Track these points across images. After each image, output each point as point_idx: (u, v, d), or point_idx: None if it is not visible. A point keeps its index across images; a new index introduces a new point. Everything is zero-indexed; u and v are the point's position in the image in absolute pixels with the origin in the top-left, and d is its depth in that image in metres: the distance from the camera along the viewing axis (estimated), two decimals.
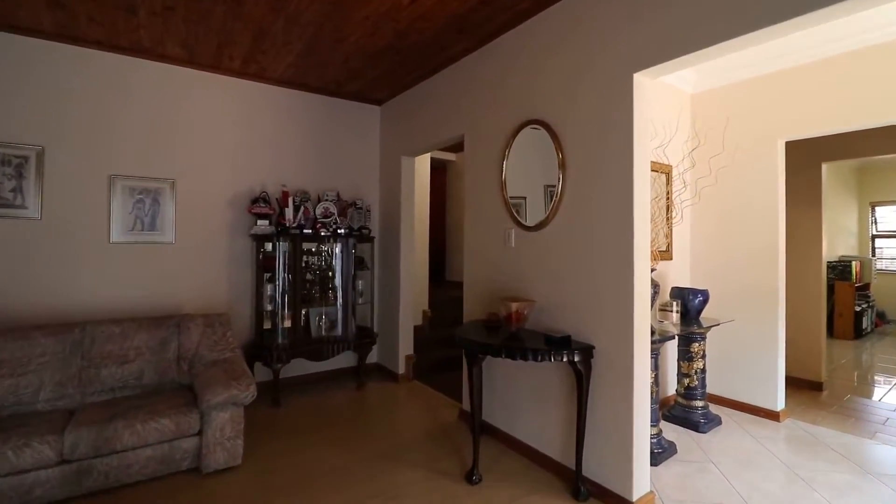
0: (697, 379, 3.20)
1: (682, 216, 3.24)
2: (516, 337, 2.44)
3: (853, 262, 6.63)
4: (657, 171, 3.32)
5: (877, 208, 7.59)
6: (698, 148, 3.46)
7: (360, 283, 4.14)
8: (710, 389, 3.53)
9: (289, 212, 3.69)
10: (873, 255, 7.53)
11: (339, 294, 4.01)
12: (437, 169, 6.63)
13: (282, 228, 3.65)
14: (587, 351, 2.28)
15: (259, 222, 3.67)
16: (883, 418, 3.39)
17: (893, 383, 4.28)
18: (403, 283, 4.20)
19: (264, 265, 3.69)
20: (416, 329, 4.52)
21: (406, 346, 4.24)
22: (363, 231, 4.09)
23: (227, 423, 2.50)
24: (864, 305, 6.42)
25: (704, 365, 3.23)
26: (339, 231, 3.88)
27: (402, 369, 4.19)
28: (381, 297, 4.49)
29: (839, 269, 6.62)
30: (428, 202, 5.34)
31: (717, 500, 2.30)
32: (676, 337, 3.12)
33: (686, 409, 3.22)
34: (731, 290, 3.53)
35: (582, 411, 2.27)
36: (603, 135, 2.30)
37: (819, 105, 3.09)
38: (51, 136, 3.07)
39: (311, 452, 2.79)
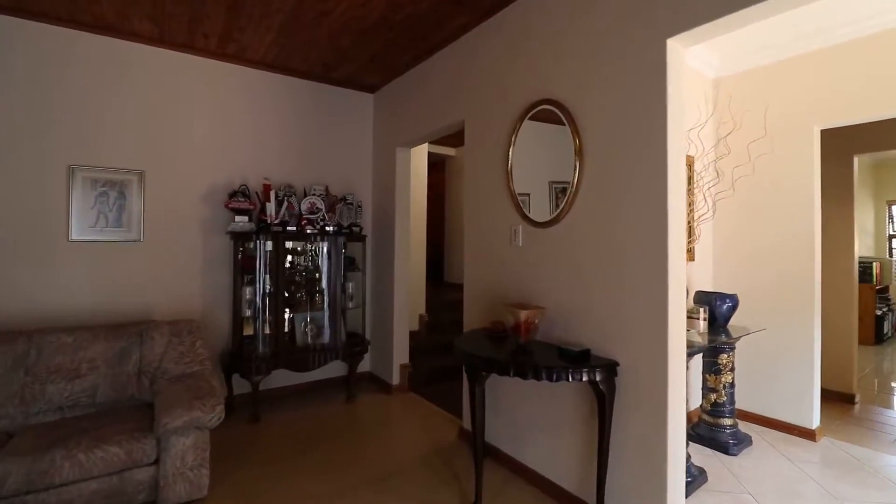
0: (726, 394, 2.85)
1: (712, 210, 2.89)
2: (525, 350, 2.10)
3: (873, 264, 6.29)
4: None
5: (893, 207, 7.25)
6: (732, 133, 3.11)
7: (350, 286, 3.78)
8: (737, 405, 3.18)
9: (271, 207, 3.34)
10: (890, 255, 7.19)
11: (327, 298, 3.65)
12: (436, 164, 6.30)
13: (263, 225, 3.30)
14: (611, 368, 1.94)
15: (237, 218, 3.31)
16: None
17: None
18: (398, 286, 3.85)
19: (244, 266, 3.34)
20: (412, 335, 4.17)
21: (401, 354, 3.89)
22: (354, 228, 3.73)
23: (190, 450, 2.15)
24: (884, 309, 6.09)
25: (733, 378, 2.89)
26: (327, 228, 3.53)
27: (396, 379, 3.84)
28: (374, 301, 4.14)
29: (859, 271, 6.27)
30: (425, 198, 5.01)
31: None
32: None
33: (713, 427, 2.87)
34: (759, 294, 3.18)
35: (605, 438, 1.93)
36: (629, 115, 1.96)
37: (858, 88, 2.75)
38: None
39: (289, 482, 2.43)
